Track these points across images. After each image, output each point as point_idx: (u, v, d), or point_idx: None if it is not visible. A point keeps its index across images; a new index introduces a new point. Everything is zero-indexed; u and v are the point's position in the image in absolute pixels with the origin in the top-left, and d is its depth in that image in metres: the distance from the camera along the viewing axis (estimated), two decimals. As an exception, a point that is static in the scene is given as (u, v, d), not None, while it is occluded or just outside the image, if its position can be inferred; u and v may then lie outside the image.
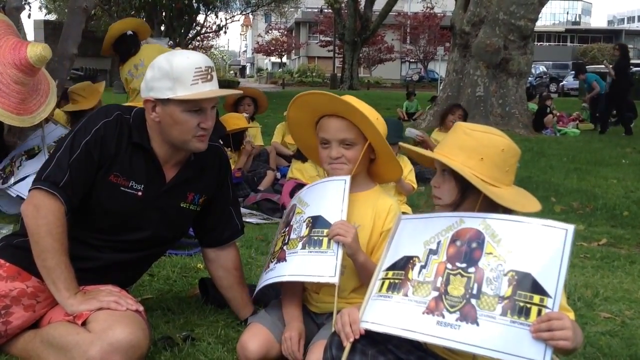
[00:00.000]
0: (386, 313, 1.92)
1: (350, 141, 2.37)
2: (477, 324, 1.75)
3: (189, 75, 2.31)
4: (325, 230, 2.29)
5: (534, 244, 1.79)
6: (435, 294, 1.86)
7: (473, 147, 2.00)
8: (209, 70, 2.37)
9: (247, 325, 2.56)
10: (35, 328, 2.42)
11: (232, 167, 5.36)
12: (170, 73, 2.31)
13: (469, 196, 2.00)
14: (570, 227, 1.78)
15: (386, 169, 2.49)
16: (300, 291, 2.52)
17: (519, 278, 1.76)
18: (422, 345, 2.00)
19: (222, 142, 5.61)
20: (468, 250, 1.87)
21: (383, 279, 2.01)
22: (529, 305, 1.72)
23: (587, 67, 20.44)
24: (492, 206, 1.96)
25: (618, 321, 3.11)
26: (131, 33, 6.18)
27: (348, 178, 2.34)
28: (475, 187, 1.96)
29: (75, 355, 2.17)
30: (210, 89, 2.36)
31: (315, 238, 2.30)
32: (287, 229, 2.43)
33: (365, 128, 2.35)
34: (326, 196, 2.37)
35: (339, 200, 2.31)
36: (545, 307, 1.71)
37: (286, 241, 2.39)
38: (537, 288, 1.73)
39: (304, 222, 2.37)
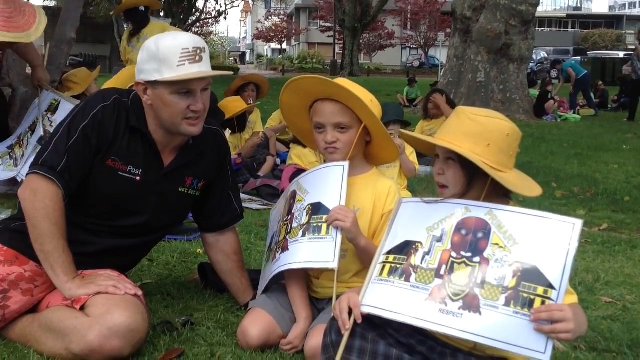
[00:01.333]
0: (387, 298, 1.91)
1: (345, 125, 2.35)
2: (480, 313, 1.75)
3: (175, 57, 2.28)
4: (325, 217, 2.29)
5: (540, 237, 1.79)
6: (439, 281, 1.85)
7: (479, 133, 1.97)
8: (197, 51, 2.32)
9: (247, 310, 2.55)
10: (33, 312, 2.41)
11: (233, 151, 5.37)
12: (156, 55, 2.28)
13: (475, 184, 1.97)
14: (578, 222, 1.78)
15: (382, 151, 2.48)
16: (303, 278, 2.51)
17: (524, 269, 1.76)
18: (422, 330, 1.99)
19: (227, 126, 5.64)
20: (474, 239, 1.86)
21: (384, 262, 2.00)
22: (532, 297, 1.72)
23: (588, 52, 20.40)
24: (495, 192, 1.95)
25: (619, 306, 3.10)
26: (142, 9, 6.71)
27: (347, 164, 2.33)
28: (481, 174, 1.93)
29: (73, 339, 2.16)
30: (198, 70, 2.31)
31: (315, 224, 2.31)
32: (289, 217, 2.43)
33: (360, 110, 2.33)
34: (325, 182, 2.36)
35: (337, 186, 2.31)
36: (549, 299, 1.71)
37: (289, 230, 2.40)
38: (541, 280, 1.73)
39: (304, 209, 2.38)
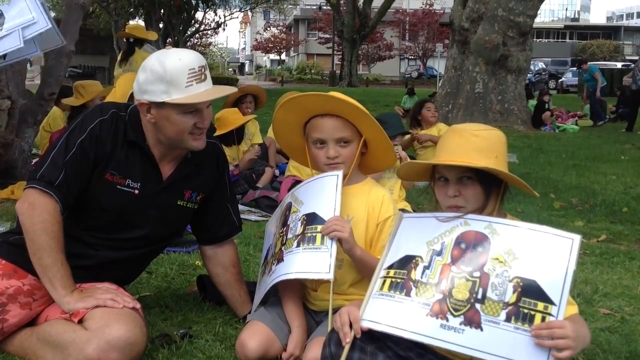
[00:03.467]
0: (388, 312, 1.92)
1: (347, 139, 2.37)
2: (481, 329, 1.75)
3: (183, 78, 2.29)
4: (319, 227, 2.28)
5: (540, 252, 1.80)
6: (440, 296, 1.86)
7: (487, 147, 2.01)
8: (202, 69, 2.34)
9: (245, 322, 2.55)
10: (31, 326, 2.41)
11: (231, 163, 5.37)
12: (164, 76, 2.28)
13: (492, 198, 2.02)
14: (577, 237, 1.79)
15: (379, 161, 2.50)
16: (298, 288, 2.51)
17: (524, 285, 1.77)
18: (421, 343, 1.99)
19: (223, 138, 5.65)
20: (474, 254, 1.87)
21: (384, 277, 2.01)
22: (533, 312, 1.73)
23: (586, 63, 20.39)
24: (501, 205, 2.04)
25: (617, 317, 3.10)
26: (132, 40, 7.91)
27: (340, 173, 2.33)
28: (495, 187, 2.00)
29: (72, 352, 2.16)
30: (205, 89, 2.34)
31: (309, 235, 2.30)
32: (285, 229, 2.43)
33: (363, 122, 2.34)
34: (319, 193, 2.36)
35: (332, 196, 2.31)
36: (549, 314, 1.72)
37: (284, 241, 2.40)
38: (542, 295, 1.74)
39: (299, 220, 2.37)
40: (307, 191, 2.44)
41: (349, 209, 2.38)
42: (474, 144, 2.01)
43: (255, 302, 2.60)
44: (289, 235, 2.38)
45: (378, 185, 2.52)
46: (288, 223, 2.42)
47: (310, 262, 2.26)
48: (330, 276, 2.20)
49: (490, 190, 2.01)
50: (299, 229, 2.34)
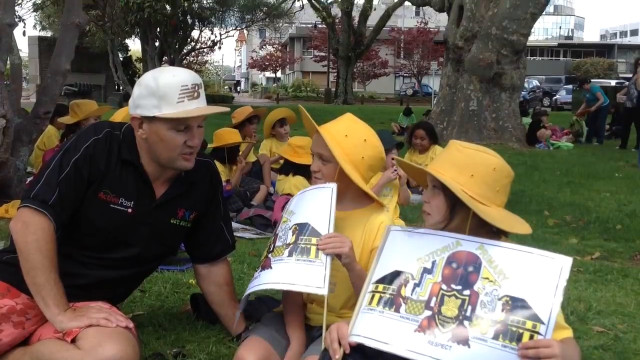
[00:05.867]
0: (376, 327, 1.91)
1: (325, 158, 2.38)
2: (469, 346, 1.75)
3: (175, 93, 2.31)
4: (314, 239, 2.22)
5: (530, 272, 1.80)
6: (428, 313, 1.86)
7: (464, 164, 2.00)
8: (196, 87, 2.36)
9: (240, 340, 2.52)
10: (24, 345, 2.39)
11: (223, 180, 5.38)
12: (156, 91, 2.30)
13: (458, 213, 2.00)
14: (568, 260, 1.79)
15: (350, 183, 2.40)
16: (301, 305, 2.48)
17: (513, 303, 1.77)
18: (408, 359, 1.99)
19: (216, 156, 5.66)
20: (464, 273, 1.87)
21: (373, 292, 2.00)
22: (521, 331, 1.73)
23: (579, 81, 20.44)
24: (482, 226, 1.96)
25: (611, 335, 3.10)
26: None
27: (334, 186, 2.29)
28: (464, 205, 1.95)
29: (64, 372, 2.15)
30: (196, 107, 2.35)
31: (303, 245, 2.23)
32: (273, 239, 2.39)
33: (330, 147, 2.34)
34: (313, 203, 2.32)
35: (326, 208, 2.26)
36: (537, 333, 1.72)
37: (271, 249, 2.34)
38: (530, 314, 1.74)
39: (290, 229, 2.31)
40: (299, 202, 2.40)
41: (346, 233, 2.31)
42: (453, 157, 2.04)
43: (239, 308, 2.57)
44: (278, 243, 2.31)
45: (380, 212, 2.46)
46: (277, 232, 2.38)
47: (304, 274, 2.19)
48: (324, 291, 2.14)
49: (455, 206, 1.99)
50: (291, 238, 2.28)
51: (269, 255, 2.33)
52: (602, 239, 5.45)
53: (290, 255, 2.24)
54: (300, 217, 2.32)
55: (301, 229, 2.28)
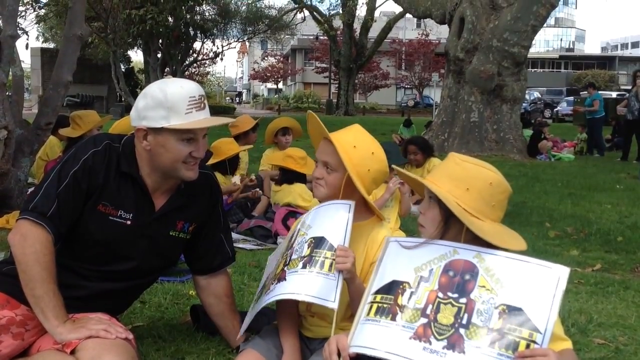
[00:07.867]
0: (374, 337, 1.92)
1: (331, 166, 2.38)
2: (464, 353, 1.75)
3: (184, 104, 2.32)
4: (328, 253, 2.23)
5: (527, 282, 1.80)
6: (424, 320, 1.86)
7: (460, 177, 2.01)
8: (202, 98, 2.38)
9: (239, 351, 2.53)
10: (24, 356, 2.40)
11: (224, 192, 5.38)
12: (164, 102, 2.31)
13: (452, 226, 2.00)
14: (565, 270, 1.79)
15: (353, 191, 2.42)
16: (296, 316, 2.48)
17: (509, 312, 1.77)
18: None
19: (217, 167, 5.67)
20: (461, 281, 1.88)
21: (372, 302, 2.01)
22: (517, 339, 1.73)
23: (580, 92, 20.48)
24: (475, 240, 1.95)
25: (612, 347, 3.09)
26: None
27: (353, 203, 2.30)
28: (458, 218, 1.95)
29: (63, 384, 2.15)
30: (204, 117, 2.37)
31: (317, 258, 2.24)
32: (289, 251, 2.39)
33: (341, 157, 2.34)
34: (329, 219, 2.33)
35: (342, 224, 2.27)
36: (534, 342, 1.72)
37: (287, 262, 2.35)
38: (527, 323, 1.74)
39: (306, 242, 2.32)
40: (316, 216, 2.40)
41: (350, 246, 2.32)
42: (450, 169, 2.05)
43: (245, 323, 2.57)
44: (294, 256, 2.33)
45: (382, 226, 2.47)
46: (293, 245, 2.38)
47: (319, 287, 2.19)
48: (334, 305, 2.15)
49: (449, 218, 1.99)
50: (306, 251, 2.29)
51: (285, 268, 2.34)
52: (603, 251, 5.44)
53: (304, 267, 2.26)
54: (316, 231, 2.33)
55: (316, 242, 2.30)
